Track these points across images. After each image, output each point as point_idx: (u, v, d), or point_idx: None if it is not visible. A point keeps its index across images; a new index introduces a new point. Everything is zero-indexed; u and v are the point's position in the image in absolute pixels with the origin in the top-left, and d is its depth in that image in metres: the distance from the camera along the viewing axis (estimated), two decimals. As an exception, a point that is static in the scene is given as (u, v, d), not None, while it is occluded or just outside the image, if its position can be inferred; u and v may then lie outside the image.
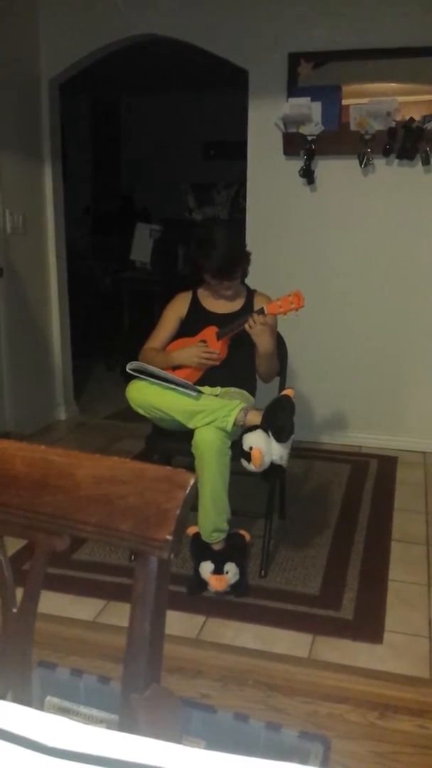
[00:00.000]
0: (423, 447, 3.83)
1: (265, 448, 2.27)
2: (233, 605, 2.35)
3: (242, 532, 2.46)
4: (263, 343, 2.49)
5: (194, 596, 2.38)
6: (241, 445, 2.31)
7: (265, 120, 3.67)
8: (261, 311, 2.45)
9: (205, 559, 2.38)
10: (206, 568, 2.36)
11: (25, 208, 3.89)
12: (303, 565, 2.63)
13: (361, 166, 3.58)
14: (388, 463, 3.67)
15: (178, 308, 2.71)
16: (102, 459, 0.83)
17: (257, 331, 2.45)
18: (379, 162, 3.59)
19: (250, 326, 2.45)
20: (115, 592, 2.38)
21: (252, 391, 2.66)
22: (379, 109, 3.43)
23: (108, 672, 1.43)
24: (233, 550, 2.41)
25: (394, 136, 3.47)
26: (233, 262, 2.55)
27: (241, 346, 2.54)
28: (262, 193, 3.84)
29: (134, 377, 2.43)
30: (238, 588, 2.38)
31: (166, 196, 6.97)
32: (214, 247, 2.50)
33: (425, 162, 3.50)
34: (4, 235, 3.73)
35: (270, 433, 2.28)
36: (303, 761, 1.21)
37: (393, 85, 3.59)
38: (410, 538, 2.85)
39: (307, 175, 3.67)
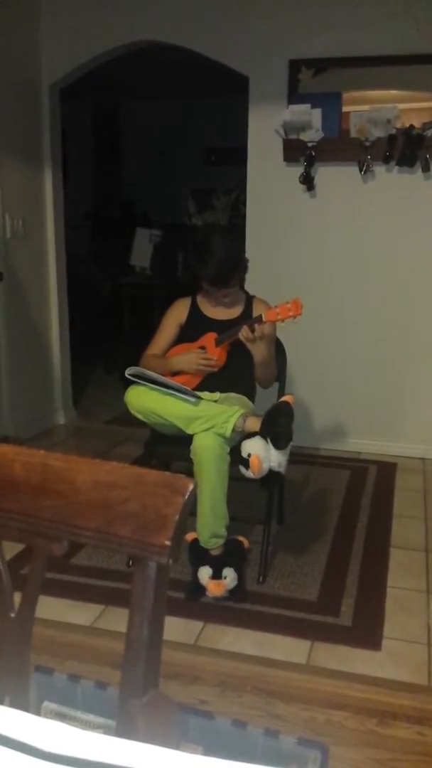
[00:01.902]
0: (422, 453, 3.83)
1: (263, 455, 2.27)
2: (231, 611, 2.35)
3: (240, 538, 2.46)
4: (258, 351, 2.49)
5: (192, 602, 2.37)
6: (240, 451, 2.31)
7: (266, 126, 3.68)
8: (259, 318, 2.44)
9: (203, 565, 2.37)
10: (204, 573, 2.36)
11: (25, 213, 3.90)
12: (301, 571, 2.62)
13: (361, 172, 3.59)
14: (387, 469, 3.67)
15: (177, 314, 2.71)
16: (101, 464, 0.83)
17: (251, 342, 2.45)
18: (379, 169, 3.60)
19: (243, 336, 2.44)
20: (113, 597, 2.38)
21: (251, 397, 2.66)
22: (380, 116, 3.44)
23: (106, 677, 1.43)
24: (231, 555, 2.40)
25: (394, 143, 3.47)
26: (229, 271, 2.54)
27: (240, 352, 2.54)
28: (262, 200, 3.84)
29: (133, 382, 2.43)
30: (236, 593, 2.38)
31: (166, 202, 6.99)
32: (211, 256, 2.50)
33: (425, 169, 3.51)
34: (4, 239, 3.74)
35: (269, 440, 2.28)
36: (301, 768, 1.20)
37: (393, 92, 3.60)
38: (409, 544, 2.85)
39: (307, 181, 3.68)
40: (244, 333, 2.43)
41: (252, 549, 2.57)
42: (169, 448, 2.57)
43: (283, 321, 2.43)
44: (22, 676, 0.89)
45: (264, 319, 2.43)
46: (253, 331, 2.42)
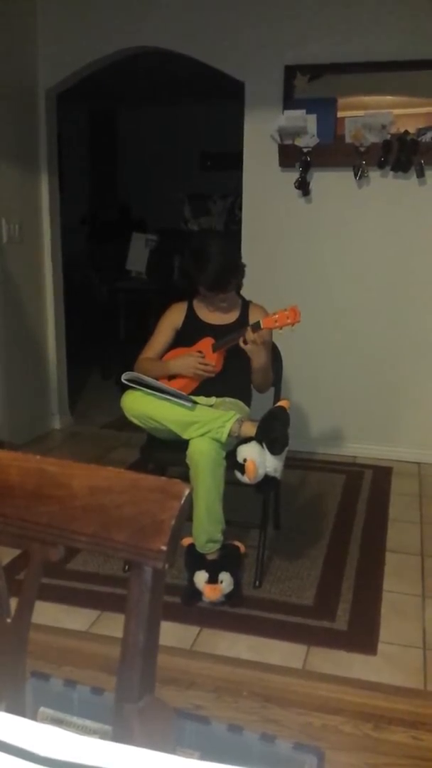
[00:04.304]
0: (417, 457, 3.83)
1: (259, 461, 2.27)
2: (227, 616, 2.34)
3: (236, 542, 2.46)
4: (258, 358, 2.50)
5: (188, 606, 2.37)
6: (236, 456, 2.31)
7: (261, 132, 3.69)
8: (257, 325, 2.45)
9: (199, 569, 2.37)
10: (201, 577, 2.36)
11: (21, 217, 3.90)
12: (297, 575, 2.62)
13: (356, 178, 3.61)
14: (382, 474, 3.68)
15: (173, 319, 2.71)
16: (97, 469, 0.84)
17: (251, 347, 2.45)
18: (374, 174, 3.61)
19: (244, 342, 2.45)
20: (109, 603, 2.38)
21: (247, 402, 2.67)
22: (374, 121, 3.46)
23: (102, 683, 1.42)
24: (227, 560, 2.40)
25: (388, 148, 3.49)
26: (227, 276, 2.55)
27: (236, 358, 2.54)
28: (258, 205, 3.85)
29: (129, 387, 2.43)
30: (232, 598, 2.38)
31: (162, 207, 7.00)
32: (208, 261, 2.50)
33: (419, 174, 3.52)
34: (1, 244, 3.74)
35: (264, 445, 2.28)
36: (297, 773, 1.20)
37: (388, 97, 3.62)
38: (404, 548, 2.85)
39: (303, 186, 3.69)
40: (244, 338, 2.44)
41: (248, 554, 2.57)
42: (165, 453, 2.57)
43: (281, 329, 2.43)
44: (19, 681, 0.89)
45: (262, 326, 2.43)
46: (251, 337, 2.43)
